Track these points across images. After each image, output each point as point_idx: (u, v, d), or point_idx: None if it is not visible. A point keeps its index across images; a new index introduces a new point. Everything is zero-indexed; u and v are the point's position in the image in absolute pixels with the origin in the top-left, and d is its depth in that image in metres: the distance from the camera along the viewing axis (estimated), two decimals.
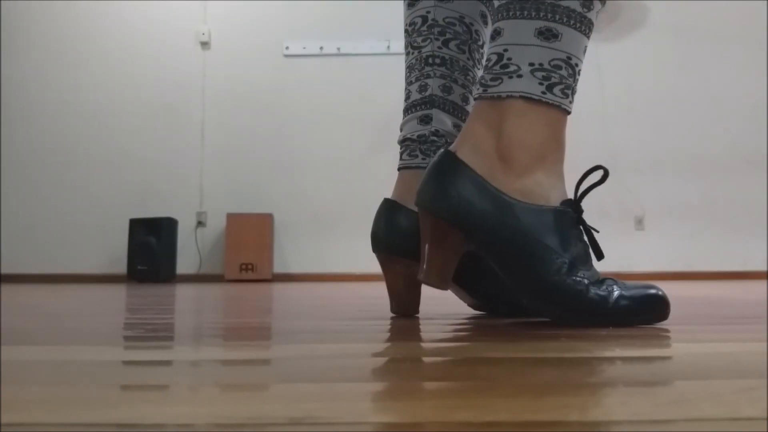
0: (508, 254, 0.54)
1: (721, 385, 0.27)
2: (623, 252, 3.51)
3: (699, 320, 0.62)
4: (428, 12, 0.74)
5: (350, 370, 0.33)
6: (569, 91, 0.57)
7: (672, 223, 3.55)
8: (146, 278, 3.18)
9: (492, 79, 0.57)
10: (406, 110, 0.76)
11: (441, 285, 0.57)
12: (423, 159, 0.71)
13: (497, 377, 0.30)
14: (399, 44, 3.53)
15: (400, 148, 0.75)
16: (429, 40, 0.74)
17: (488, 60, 0.58)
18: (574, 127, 3.43)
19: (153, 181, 3.59)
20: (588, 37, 0.58)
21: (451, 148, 0.57)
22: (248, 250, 3.27)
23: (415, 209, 0.63)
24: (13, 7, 3.69)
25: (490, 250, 0.55)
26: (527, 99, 0.55)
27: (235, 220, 3.31)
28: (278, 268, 3.47)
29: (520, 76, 0.55)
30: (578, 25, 0.56)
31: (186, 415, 0.23)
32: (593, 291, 0.53)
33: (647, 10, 3.69)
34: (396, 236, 0.68)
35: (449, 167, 0.56)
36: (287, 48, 3.68)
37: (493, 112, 0.56)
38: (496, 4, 0.59)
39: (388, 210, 0.69)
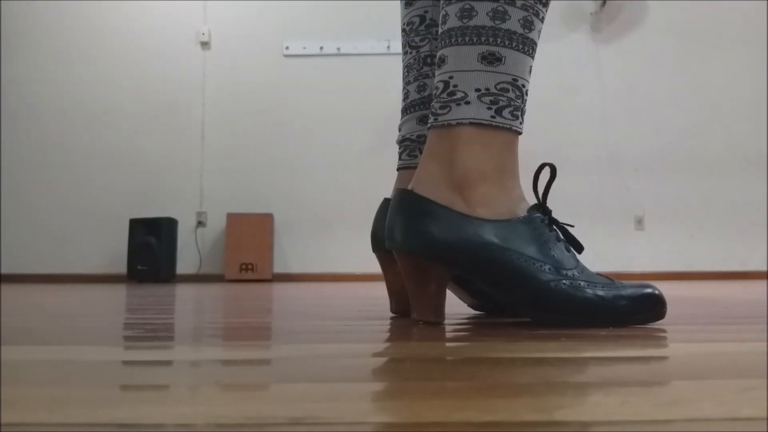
0: (492, 273, 0.54)
1: (720, 385, 0.27)
2: (623, 252, 3.51)
3: (698, 320, 0.62)
4: (426, 12, 0.74)
5: (350, 370, 0.33)
6: (518, 112, 0.57)
7: (672, 223, 3.55)
8: (146, 278, 3.18)
9: (441, 108, 0.57)
10: (405, 110, 0.75)
11: (438, 318, 0.56)
12: (420, 158, 0.71)
13: (497, 377, 0.30)
14: (399, 44, 3.53)
15: (399, 148, 0.75)
16: (427, 40, 0.74)
17: (436, 88, 0.59)
18: (574, 127, 3.41)
19: (153, 181, 3.59)
20: (532, 58, 0.58)
21: (409, 186, 0.57)
22: (248, 250, 3.27)
23: None
24: (13, 7, 3.69)
25: (475, 274, 0.55)
26: (477, 125, 0.56)
27: (235, 220, 3.31)
28: (278, 268, 3.47)
29: (468, 102, 0.56)
30: (521, 46, 0.56)
31: (186, 415, 0.23)
32: (586, 290, 0.53)
33: (647, 9, 3.69)
34: None
35: (412, 204, 0.56)
36: (287, 48, 3.68)
37: (445, 143, 0.56)
38: (440, 30, 0.59)
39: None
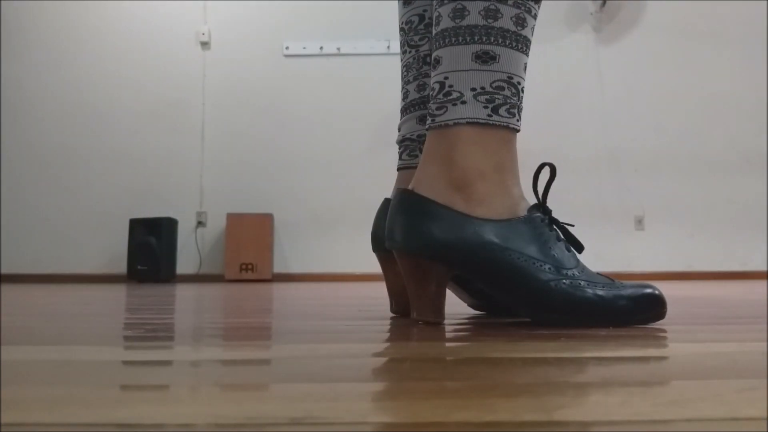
0: (493, 273, 0.54)
1: (720, 385, 0.27)
2: (623, 252, 3.51)
3: (698, 320, 0.62)
4: (425, 10, 0.73)
5: (350, 370, 0.33)
6: (515, 110, 0.57)
7: (672, 223, 3.55)
8: (146, 278, 3.18)
9: (438, 108, 0.57)
10: (405, 110, 0.75)
11: (438, 318, 0.56)
12: (419, 158, 0.71)
13: (497, 377, 0.30)
14: (399, 44, 3.53)
15: (399, 148, 0.75)
16: (426, 39, 0.73)
17: (432, 89, 0.59)
18: (574, 127, 3.40)
19: (153, 181, 3.59)
20: (526, 55, 0.58)
21: (409, 186, 0.57)
22: (248, 250, 3.27)
23: None
24: (13, 7, 3.69)
25: (475, 274, 0.55)
26: (474, 124, 0.56)
27: (235, 220, 3.31)
28: (278, 268, 3.47)
29: (464, 102, 0.56)
30: (514, 44, 0.56)
31: (186, 415, 0.23)
32: (586, 290, 0.53)
33: (647, 9, 3.69)
34: None
35: (412, 205, 0.56)
36: (287, 48, 3.68)
37: (444, 143, 0.57)
38: (434, 32, 0.59)
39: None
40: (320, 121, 3.63)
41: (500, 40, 0.56)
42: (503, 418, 0.22)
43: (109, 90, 3.65)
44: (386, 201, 0.71)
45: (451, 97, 0.56)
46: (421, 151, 0.72)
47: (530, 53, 0.59)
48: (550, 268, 0.53)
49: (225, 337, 0.50)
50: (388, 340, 0.47)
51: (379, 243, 0.70)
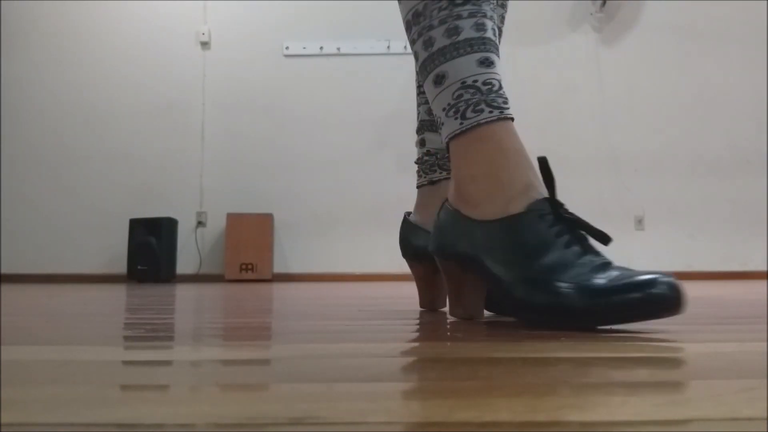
0: (484, 275, 0.56)
1: (721, 385, 0.27)
2: (623, 252, 3.51)
3: (699, 320, 0.62)
4: None
5: (350, 370, 0.33)
6: (481, 105, 0.58)
7: (672, 223, 3.55)
8: (146, 278, 3.18)
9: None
10: (418, 130, 0.84)
11: (465, 315, 0.61)
12: (423, 177, 0.81)
13: (497, 377, 0.30)
14: (399, 44, 3.53)
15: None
16: None
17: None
18: (574, 127, 3.41)
19: (153, 181, 3.59)
20: (475, 51, 0.59)
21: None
22: (248, 250, 3.27)
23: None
24: (13, 7, 3.69)
25: (479, 275, 0.58)
26: (453, 138, 0.59)
27: (235, 220, 3.31)
28: (278, 268, 3.47)
29: (442, 124, 0.61)
30: (454, 53, 0.59)
31: (186, 415, 0.23)
32: (587, 286, 0.50)
33: (647, 9, 3.69)
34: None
35: (438, 212, 0.63)
36: (287, 48, 3.68)
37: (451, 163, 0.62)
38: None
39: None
40: (320, 121, 3.63)
41: (442, 59, 0.59)
42: (503, 418, 0.22)
43: (109, 90, 3.65)
44: (405, 216, 0.81)
45: (439, 122, 0.62)
46: (423, 171, 0.81)
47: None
48: (550, 269, 0.52)
49: (225, 337, 0.50)
50: (387, 340, 0.47)
51: (404, 249, 0.80)
